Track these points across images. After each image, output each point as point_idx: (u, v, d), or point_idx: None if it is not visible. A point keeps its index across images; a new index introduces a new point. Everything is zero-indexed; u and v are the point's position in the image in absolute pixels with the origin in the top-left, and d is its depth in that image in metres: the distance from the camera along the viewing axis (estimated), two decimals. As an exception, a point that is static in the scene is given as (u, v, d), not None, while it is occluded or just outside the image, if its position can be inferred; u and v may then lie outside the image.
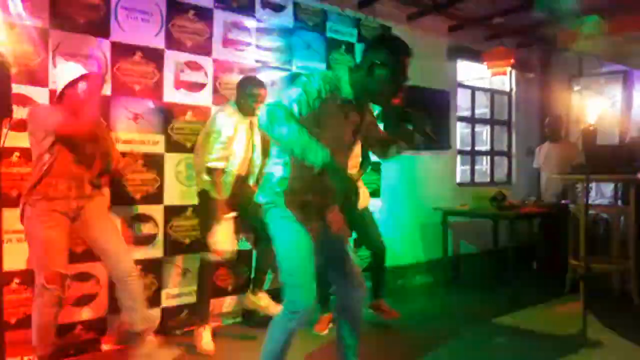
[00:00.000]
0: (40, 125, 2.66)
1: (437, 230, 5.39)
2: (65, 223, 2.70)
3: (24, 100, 2.96)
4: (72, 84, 2.71)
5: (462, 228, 5.80)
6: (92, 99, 2.73)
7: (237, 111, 3.34)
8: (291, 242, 2.23)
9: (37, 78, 3.01)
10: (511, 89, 6.80)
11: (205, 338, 3.26)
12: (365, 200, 3.84)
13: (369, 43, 2.37)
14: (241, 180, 3.41)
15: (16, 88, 2.90)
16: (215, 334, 3.38)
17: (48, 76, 3.05)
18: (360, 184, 3.79)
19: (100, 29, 3.25)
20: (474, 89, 6.41)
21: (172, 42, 3.55)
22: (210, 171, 3.20)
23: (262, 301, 3.61)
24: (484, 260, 5.91)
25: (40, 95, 3.02)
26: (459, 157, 6.25)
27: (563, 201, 5.19)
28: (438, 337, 3.58)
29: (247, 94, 3.31)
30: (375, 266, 3.97)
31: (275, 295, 3.37)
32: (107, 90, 3.26)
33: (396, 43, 2.27)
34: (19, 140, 2.89)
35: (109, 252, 2.78)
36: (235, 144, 3.29)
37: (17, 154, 2.95)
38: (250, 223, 3.53)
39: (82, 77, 2.73)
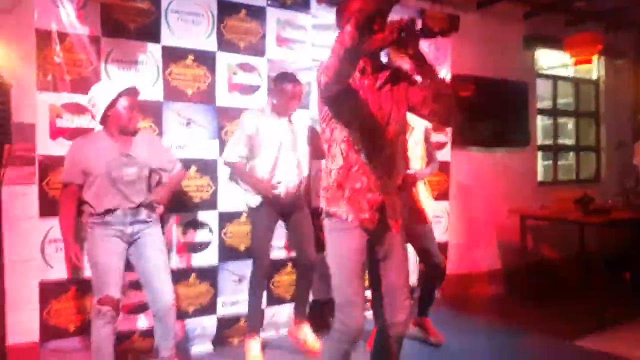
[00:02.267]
0: (76, 166, 2.65)
1: (515, 235, 4.95)
2: (122, 247, 2.68)
3: (79, 109, 2.98)
4: (113, 104, 2.65)
5: (543, 231, 5.31)
6: (134, 114, 2.71)
7: (268, 110, 3.22)
8: (342, 256, 2.07)
9: (90, 86, 3.00)
10: (598, 78, 6.16)
11: (253, 350, 3.14)
12: (429, 210, 3.43)
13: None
14: (289, 190, 3.20)
15: (70, 97, 2.96)
16: (267, 346, 3.24)
17: (101, 84, 3.05)
18: (423, 191, 3.41)
19: (151, 34, 3.22)
20: (555, 79, 5.86)
21: (224, 44, 3.46)
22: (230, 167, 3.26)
23: (302, 333, 3.35)
24: (567, 267, 5.36)
25: (93, 103, 3.02)
26: (539, 154, 5.74)
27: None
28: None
29: (280, 91, 3.16)
30: (427, 283, 3.54)
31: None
32: (158, 95, 3.22)
33: None
34: (66, 148, 2.90)
35: (153, 286, 2.74)
36: (260, 144, 3.14)
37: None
38: (294, 239, 3.39)
39: (120, 95, 2.66)
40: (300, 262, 3.35)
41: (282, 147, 3.16)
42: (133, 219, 2.70)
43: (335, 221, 2.08)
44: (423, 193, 3.38)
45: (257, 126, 3.13)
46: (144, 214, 2.74)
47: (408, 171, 3.06)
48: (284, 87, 3.14)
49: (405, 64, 2.41)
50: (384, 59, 2.19)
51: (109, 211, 2.63)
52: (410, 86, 2.12)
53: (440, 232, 4.42)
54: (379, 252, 2.13)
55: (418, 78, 2.10)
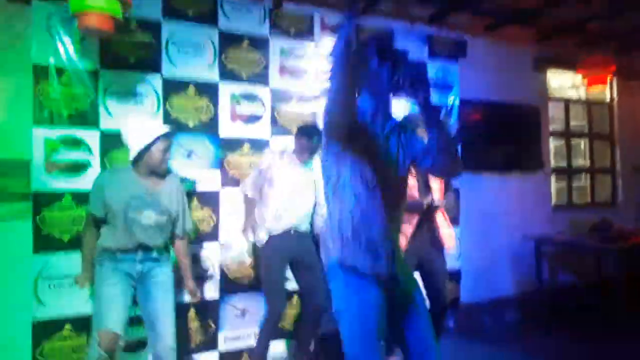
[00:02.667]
0: (99, 199, 2.57)
1: (530, 260, 4.78)
2: (130, 284, 2.59)
3: (76, 143, 2.94)
4: (149, 146, 2.59)
5: (558, 257, 5.13)
6: (166, 157, 2.65)
7: (288, 153, 3.23)
8: (352, 308, 1.84)
9: (88, 120, 2.98)
10: (612, 99, 6.01)
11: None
12: (449, 240, 3.26)
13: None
14: (298, 232, 3.16)
15: (67, 131, 2.92)
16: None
17: (99, 118, 3.01)
18: (443, 219, 3.29)
19: (152, 65, 3.18)
20: (567, 102, 5.72)
21: (226, 74, 3.41)
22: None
23: None
24: (586, 294, 5.16)
25: (90, 137, 2.98)
26: (553, 177, 5.58)
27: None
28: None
29: (297, 141, 3.21)
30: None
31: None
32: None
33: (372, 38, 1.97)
34: (72, 182, 2.87)
35: (156, 328, 2.64)
36: (272, 182, 3.12)
37: (68, 197, 2.91)
38: (304, 282, 3.27)
39: (158, 139, 2.60)
40: (311, 308, 3.22)
41: (294, 189, 3.12)
42: (144, 257, 2.62)
43: (349, 274, 1.86)
44: (441, 220, 3.27)
45: (271, 164, 3.14)
46: (155, 252, 2.66)
47: (429, 201, 3.08)
48: (300, 140, 3.16)
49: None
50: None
51: (121, 250, 2.56)
52: (415, 136, 1.99)
53: (452, 259, 4.27)
54: (395, 305, 1.90)
55: (425, 128, 1.93)
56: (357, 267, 1.83)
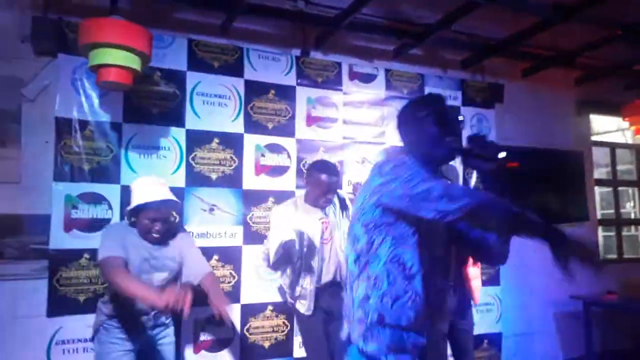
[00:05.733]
0: (117, 241, 2.37)
1: (577, 322, 4.39)
2: (134, 351, 2.43)
3: (96, 199, 2.86)
4: (136, 211, 2.41)
5: (610, 317, 4.72)
6: (157, 228, 2.40)
7: (301, 202, 2.88)
8: None
9: (109, 175, 2.90)
10: (662, 143, 5.65)
11: None
12: (477, 294, 3.04)
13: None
14: (328, 287, 2.83)
15: (87, 187, 2.84)
16: None
17: (120, 172, 2.93)
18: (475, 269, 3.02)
19: (175, 118, 3.11)
20: (613, 146, 5.40)
21: (251, 125, 3.31)
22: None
23: None
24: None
25: (112, 193, 2.89)
26: (600, 228, 5.22)
27: None
28: None
29: (314, 181, 2.80)
30: None
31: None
32: (180, 181, 3.06)
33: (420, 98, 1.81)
34: (91, 240, 2.76)
35: None
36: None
37: (86, 255, 2.80)
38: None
39: (145, 205, 2.37)
40: None
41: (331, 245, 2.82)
42: (155, 323, 2.47)
43: None
44: (474, 272, 3.02)
45: (289, 219, 2.77)
46: (164, 315, 2.49)
47: None
48: (319, 177, 2.78)
49: None
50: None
51: (131, 318, 2.40)
52: None
53: (491, 321, 3.96)
54: None
55: None
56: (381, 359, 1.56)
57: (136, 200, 2.39)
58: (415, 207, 1.49)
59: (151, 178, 2.53)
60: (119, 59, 2.40)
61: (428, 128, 1.64)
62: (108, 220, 2.85)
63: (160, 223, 2.38)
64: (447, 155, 1.67)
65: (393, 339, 1.55)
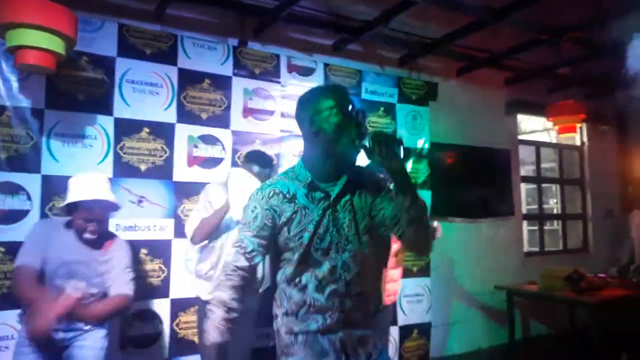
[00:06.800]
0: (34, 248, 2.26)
1: (502, 311, 4.61)
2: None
3: (14, 190, 2.68)
4: (71, 209, 2.30)
5: (531, 307, 4.99)
6: (92, 228, 2.29)
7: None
8: None
9: (28, 164, 2.73)
10: (583, 143, 6.01)
11: None
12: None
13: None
14: None
15: (5, 176, 2.66)
16: None
17: (41, 161, 2.76)
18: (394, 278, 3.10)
19: (103, 105, 2.97)
20: (538, 145, 5.69)
21: (184, 115, 3.21)
22: None
23: None
24: (560, 345, 5.01)
25: (31, 183, 2.73)
26: (525, 223, 5.50)
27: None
28: None
29: (246, 170, 2.82)
30: None
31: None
32: (107, 172, 2.93)
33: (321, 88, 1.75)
34: (4, 234, 2.61)
35: None
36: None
37: (1, 249, 2.64)
38: None
39: (81, 202, 2.27)
40: None
41: None
42: (68, 326, 2.28)
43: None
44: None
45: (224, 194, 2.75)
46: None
47: None
48: (250, 167, 2.80)
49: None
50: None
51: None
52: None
53: (422, 311, 4.08)
54: None
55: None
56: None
57: (69, 197, 2.27)
58: None
59: (91, 175, 2.41)
60: (38, 40, 2.25)
61: (331, 119, 1.57)
62: (26, 212, 2.70)
63: (95, 224, 2.27)
64: (349, 149, 1.59)
65: (308, 347, 1.60)
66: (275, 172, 3.01)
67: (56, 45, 2.34)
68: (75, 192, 2.27)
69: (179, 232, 3.11)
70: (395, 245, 2.97)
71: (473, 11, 3.70)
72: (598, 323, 4.07)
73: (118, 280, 2.35)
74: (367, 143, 1.53)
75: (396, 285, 3.16)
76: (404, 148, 1.51)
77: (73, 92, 2.88)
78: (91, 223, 2.27)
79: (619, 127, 6.09)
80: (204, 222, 2.68)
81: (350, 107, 1.59)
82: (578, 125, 4.82)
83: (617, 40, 3.91)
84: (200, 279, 2.77)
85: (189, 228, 2.72)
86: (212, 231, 2.70)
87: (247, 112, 3.46)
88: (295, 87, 3.64)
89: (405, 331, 3.96)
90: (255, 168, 2.78)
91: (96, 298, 2.32)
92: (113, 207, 2.42)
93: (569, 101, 4.72)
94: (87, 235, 2.29)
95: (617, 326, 4.65)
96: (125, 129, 3.02)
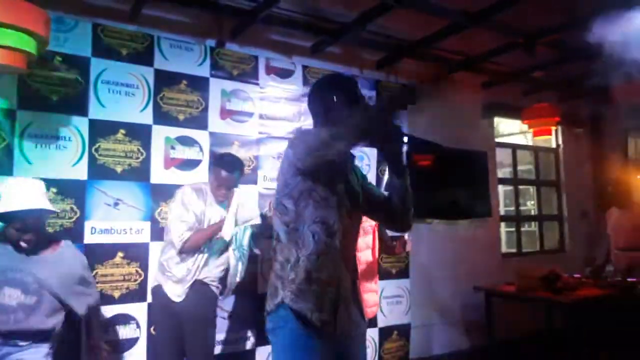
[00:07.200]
0: None
1: (480, 312, 4.65)
2: None
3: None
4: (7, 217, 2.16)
5: (509, 308, 5.03)
6: (27, 238, 2.17)
7: (208, 190, 2.84)
8: None
9: (0, 167, 2.66)
10: (558, 146, 6.12)
11: None
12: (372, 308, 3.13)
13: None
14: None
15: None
16: None
17: (13, 163, 2.70)
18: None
19: (77, 106, 2.91)
20: (515, 147, 5.78)
21: (161, 116, 3.18)
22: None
23: None
24: (539, 344, 5.06)
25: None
26: (502, 224, 5.57)
27: (630, 279, 4.38)
28: None
29: (214, 172, 2.83)
30: None
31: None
32: (82, 174, 2.88)
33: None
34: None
35: None
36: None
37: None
38: None
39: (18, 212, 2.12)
40: None
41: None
42: (3, 341, 2.10)
43: (298, 324, 1.65)
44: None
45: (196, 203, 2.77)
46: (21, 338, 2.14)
47: None
48: (219, 172, 2.77)
49: None
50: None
51: None
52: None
53: (401, 313, 4.10)
54: None
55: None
56: (307, 316, 1.64)
57: (6, 205, 2.11)
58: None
59: (23, 180, 2.29)
60: (6, 39, 2.19)
61: (340, 105, 1.76)
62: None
63: (30, 234, 2.15)
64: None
65: (317, 296, 1.65)
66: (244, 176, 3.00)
67: (27, 44, 2.28)
68: (8, 201, 2.12)
69: (156, 235, 3.08)
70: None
71: (450, 15, 3.75)
72: (574, 322, 4.14)
73: (63, 288, 2.23)
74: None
75: (375, 296, 3.17)
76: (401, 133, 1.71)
77: (46, 92, 2.83)
78: (26, 234, 2.15)
79: (592, 129, 6.21)
80: (197, 236, 2.69)
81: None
82: (553, 127, 4.90)
83: (590, 43, 3.99)
84: (169, 280, 2.73)
85: (176, 237, 2.67)
86: (204, 244, 2.73)
87: (225, 113, 3.43)
88: (273, 89, 3.64)
89: (385, 332, 3.97)
90: (223, 173, 2.76)
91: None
92: (49, 212, 2.29)
93: (544, 104, 4.81)
94: (22, 245, 2.16)
95: (593, 325, 4.73)
96: (101, 130, 2.97)
